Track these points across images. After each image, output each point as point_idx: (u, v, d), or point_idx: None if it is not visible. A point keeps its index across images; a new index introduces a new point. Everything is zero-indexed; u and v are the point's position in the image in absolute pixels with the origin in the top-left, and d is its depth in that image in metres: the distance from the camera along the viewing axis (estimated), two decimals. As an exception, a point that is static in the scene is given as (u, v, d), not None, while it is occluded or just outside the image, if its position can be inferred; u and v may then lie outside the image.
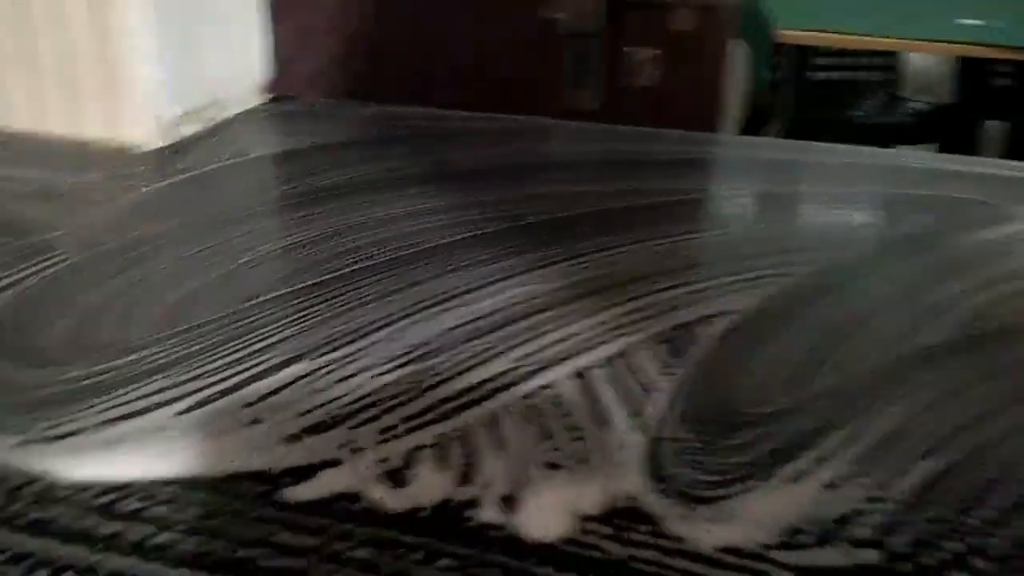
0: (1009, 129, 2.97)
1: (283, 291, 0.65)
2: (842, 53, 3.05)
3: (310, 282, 0.66)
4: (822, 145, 1.00)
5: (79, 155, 0.90)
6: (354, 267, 0.68)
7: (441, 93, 1.35)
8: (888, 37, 2.40)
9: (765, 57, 2.47)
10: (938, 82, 3.11)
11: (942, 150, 2.91)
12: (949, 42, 2.35)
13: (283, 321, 0.61)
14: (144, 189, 0.83)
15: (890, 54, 3.04)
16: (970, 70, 2.95)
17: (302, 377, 0.54)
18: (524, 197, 0.83)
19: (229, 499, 0.45)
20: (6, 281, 0.65)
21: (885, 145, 2.82)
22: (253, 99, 1.08)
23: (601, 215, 0.79)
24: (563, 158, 1.00)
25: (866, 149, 0.97)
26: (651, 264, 0.70)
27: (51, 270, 0.67)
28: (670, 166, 0.92)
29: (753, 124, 2.89)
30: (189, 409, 0.51)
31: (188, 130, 0.97)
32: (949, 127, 2.96)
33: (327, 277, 0.67)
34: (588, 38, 1.17)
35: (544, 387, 0.54)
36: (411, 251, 0.71)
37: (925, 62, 3.14)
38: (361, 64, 1.35)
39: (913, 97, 3.07)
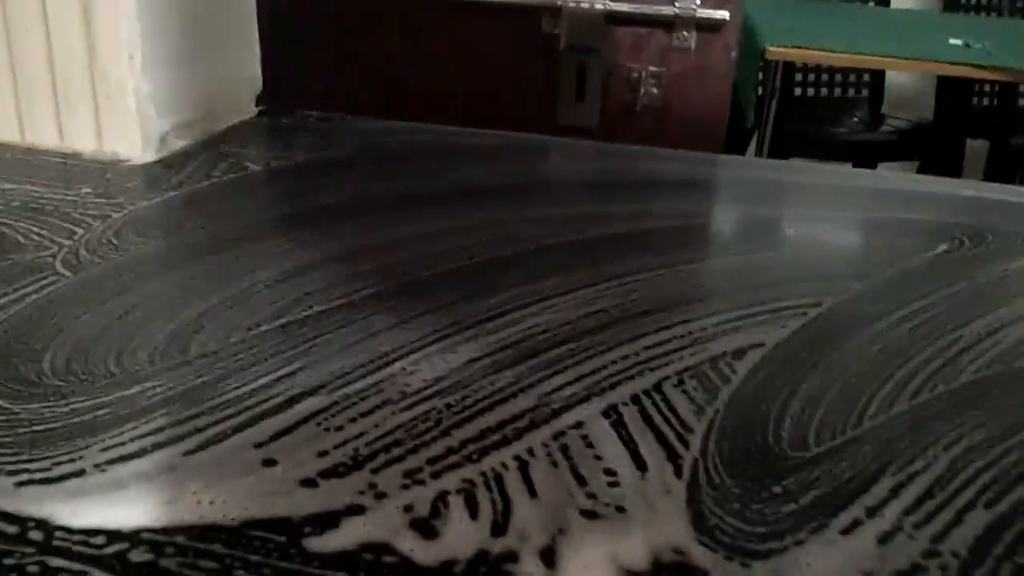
0: (990, 148, 2.97)
1: (289, 319, 0.62)
2: (825, 70, 3.05)
3: (317, 309, 0.63)
4: (833, 168, 0.98)
5: (67, 168, 0.87)
6: (363, 293, 0.65)
7: (436, 107, 1.32)
8: (871, 55, 2.40)
9: (751, 73, 2.46)
10: (919, 100, 3.11)
11: (923, 168, 2.92)
12: (931, 61, 2.34)
13: (291, 352, 0.58)
14: (137, 206, 0.79)
15: (872, 72, 3.05)
16: (951, 89, 2.95)
17: (316, 413, 0.51)
18: (530, 219, 0.80)
19: (246, 550, 0.41)
20: (-5, 304, 0.62)
21: (867, 162, 2.82)
22: (245, 112, 1.05)
23: (612, 239, 0.77)
24: (565, 177, 0.97)
25: (881, 173, 0.95)
26: (671, 293, 0.67)
27: (43, 292, 0.63)
28: (678, 187, 0.90)
29: (736, 140, 2.88)
30: (197, 449, 0.48)
31: (179, 144, 0.93)
32: (931, 145, 2.96)
33: (335, 304, 0.63)
34: (588, 53, 1.14)
35: (574, 426, 0.51)
36: (421, 277, 0.68)
37: (906, 80, 3.14)
38: (353, 77, 1.32)
39: (894, 115, 3.08)
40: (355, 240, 0.74)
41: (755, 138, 2.80)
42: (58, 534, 0.42)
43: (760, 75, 2.62)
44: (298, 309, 0.63)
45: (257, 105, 1.06)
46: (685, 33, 1.13)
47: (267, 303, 0.63)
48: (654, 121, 1.21)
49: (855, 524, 0.44)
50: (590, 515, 0.44)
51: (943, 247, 0.78)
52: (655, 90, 1.18)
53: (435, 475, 0.47)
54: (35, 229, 0.74)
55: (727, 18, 1.13)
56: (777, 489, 0.47)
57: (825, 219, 0.86)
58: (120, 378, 0.54)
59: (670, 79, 1.17)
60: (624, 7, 1.13)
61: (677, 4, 1.13)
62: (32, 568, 0.40)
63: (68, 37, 0.86)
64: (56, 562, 0.40)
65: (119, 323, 0.60)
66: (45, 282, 0.65)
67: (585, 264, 0.71)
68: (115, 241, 0.72)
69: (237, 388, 0.53)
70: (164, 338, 0.58)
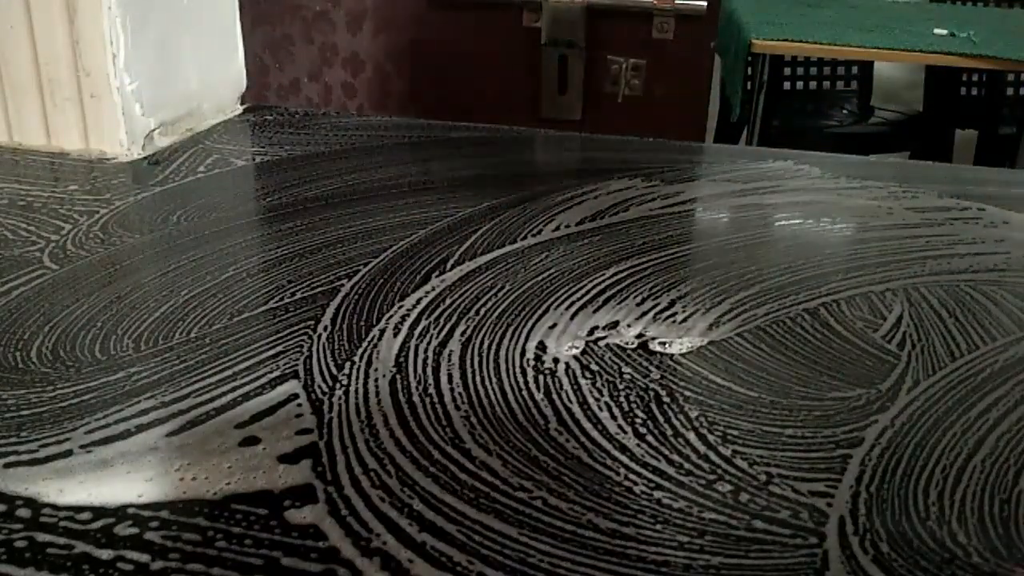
0: (979, 138, 2.99)
1: (271, 306, 0.63)
2: (813, 63, 3.07)
3: (299, 296, 0.64)
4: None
5: (54, 167, 0.88)
6: (343, 281, 0.66)
7: (420, 102, 1.33)
8: (856, 46, 2.41)
9: (739, 66, 2.47)
10: (908, 91, 3.13)
11: (913, 159, 2.93)
12: (919, 52, 2.36)
13: (273, 337, 0.59)
14: (123, 201, 0.80)
15: (860, 63, 3.06)
16: (939, 79, 2.97)
17: (297, 395, 0.53)
18: (513, 206, 0.81)
19: (228, 522, 0.43)
20: (-17, 297, 0.63)
21: (857, 154, 2.84)
22: (230, 109, 1.06)
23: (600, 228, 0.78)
24: (548, 167, 0.99)
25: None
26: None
27: (30, 285, 0.65)
28: (654, 175, 0.91)
29: (726, 132, 2.90)
30: (180, 430, 0.49)
31: (165, 141, 0.95)
32: (920, 136, 2.97)
33: (317, 291, 0.65)
34: (569, 46, 1.16)
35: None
36: (401, 265, 0.69)
37: (894, 71, 3.16)
38: (338, 74, 1.33)
39: (883, 106, 3.09)
40: (336, 230, 0.75)
41: (744, 132, 2.82)
42: (45, 511, 0.43)
43: (748, 69, 2.64)
44: (280, 296, 0.64)
45: (242, 103, 1.07)
46: (664, 24, 1.14)
47: (250, 291, 0.65)
48: (636, 112, 1.23)
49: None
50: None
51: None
52: (636, 81, 1.19)
53: (412, 450, 0.48)
54: (23, 225, 0.75)
55: (704, 8, 1.14)
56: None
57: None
58: (105, 364, 0.55)
59: (651, 70, 1.18)
60: None
61: (656, -4, 1.14)
62: (20, 543, 0.41)
63: (52, 36, 0.87)
64: (43, 537, 0.41)
65: (105, 312, 0.61)
66: (33, 275, 0.66)
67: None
68: (101, 235, 0.73)
69: (220, 372, 0.54)
70: (149, 326, 0.60)
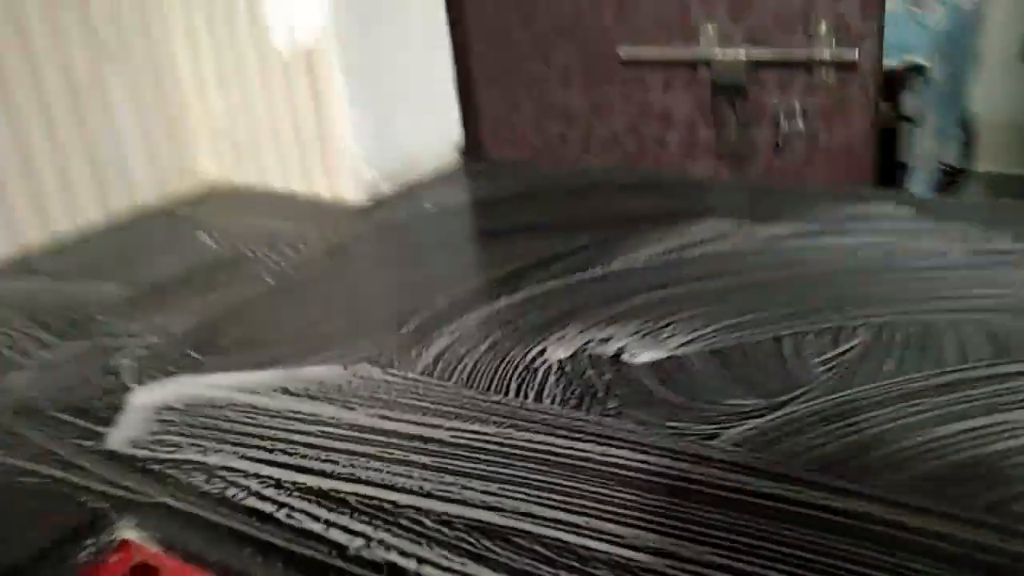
0: None
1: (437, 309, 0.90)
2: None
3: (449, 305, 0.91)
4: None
5: (294, 207, 1.21)
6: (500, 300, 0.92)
7: (615, 148, 1.54)
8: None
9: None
10: None
11: None
12: None
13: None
14: (345, 234, 1.11)
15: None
16: None
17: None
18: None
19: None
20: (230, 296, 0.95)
21: None
22: (445, 160, 1.34)
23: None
24: (691, 208, 1.16)
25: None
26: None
27: (255, 293, 0.96)
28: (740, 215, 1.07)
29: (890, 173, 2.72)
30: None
31: (387, 188, 1.25)
32: None
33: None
34: (737, 92, 1.33)
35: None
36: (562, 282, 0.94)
37: None
38: (551, 125, 1.57)
39: None
40: (505, 254, 1.01)
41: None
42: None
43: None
44: (440, 302, 0.91)
45: (458, 153, 1.35)
46: (823, 72, 1.29)
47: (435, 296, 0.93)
48: (802, 153, 1.37)
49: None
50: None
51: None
52: (800, 124, 1.34)
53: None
54: (263, 250, 1.07)
55: (856, 58, 1.26)
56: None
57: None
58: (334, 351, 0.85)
59: (813, 115, 1.33)
60: (766, 53, 1.31)
61: (813, 48, 1.29)
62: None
63: (304, 114, 1.20)
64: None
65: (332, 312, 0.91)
66: (258, 287, 0.98)
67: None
68: (320, 261, 1.04)
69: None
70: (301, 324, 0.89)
